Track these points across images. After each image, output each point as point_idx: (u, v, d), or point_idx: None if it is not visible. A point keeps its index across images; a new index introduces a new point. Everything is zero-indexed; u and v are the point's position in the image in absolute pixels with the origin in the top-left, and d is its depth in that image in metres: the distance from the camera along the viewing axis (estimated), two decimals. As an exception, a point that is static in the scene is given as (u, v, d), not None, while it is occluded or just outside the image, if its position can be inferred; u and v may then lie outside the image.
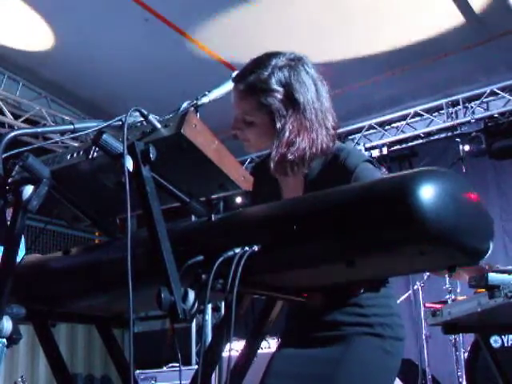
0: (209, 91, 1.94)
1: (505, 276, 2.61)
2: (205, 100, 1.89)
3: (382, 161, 7.68)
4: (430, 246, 1.29)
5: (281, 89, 2.14)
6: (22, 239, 3.07)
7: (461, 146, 7.27)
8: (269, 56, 2.18)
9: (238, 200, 8.05)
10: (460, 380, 5.64)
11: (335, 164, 2.15)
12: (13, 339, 1.69)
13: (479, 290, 2.83)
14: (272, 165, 2.16)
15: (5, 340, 1.68)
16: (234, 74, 2.12)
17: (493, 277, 2.57)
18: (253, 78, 2.15)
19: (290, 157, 2.14)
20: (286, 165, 2.16)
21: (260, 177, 2.34)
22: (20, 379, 6.91)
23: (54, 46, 6.70)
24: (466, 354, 5.49)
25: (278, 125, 2.13)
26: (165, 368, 6.02)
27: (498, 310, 2.63)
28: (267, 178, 2.30)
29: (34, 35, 6.55)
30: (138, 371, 6.06)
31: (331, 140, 2.18)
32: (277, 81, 2.14)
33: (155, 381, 5.82)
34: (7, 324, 1.66)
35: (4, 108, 7.42)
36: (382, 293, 2.09)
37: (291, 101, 2.14)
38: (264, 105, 2.14)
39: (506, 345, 5.00)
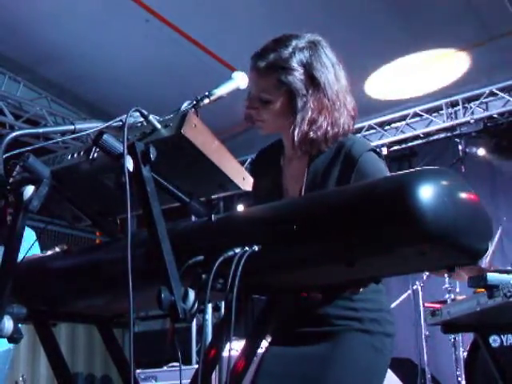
0: (209, 91, 1.94)
1: (504, 276, 2.62)
2: (205, 100, 1.89)
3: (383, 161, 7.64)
4: (429, 246, 1.29)
5: (301, 69, 2.14)
6: (34, 236, 3.05)
7: (460, 147, 7.28)
8: (289, 37, 2.19)
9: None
10: (459, 379, 5.64)
11: (340, 153, 2.15)
12: (13, 339, 1.69)
13: (478, 290, 2.84)
14: (295, 140, 2.15)
15: (11, 345, 1.69)
16: (235, 74, 2.11)
17: (492, 277, 2.58)
18: (273, 56, 2.16)
19: (312, 135, 2.14)
20: (307, 142, 2.16)
21: (262, 165, 2.35)
22: (21, 379, 6.91)
23: (54, 45, 6.70)
24: (465, 354, 5.49)
25: (300, 103, 2.13)
26: (165, 367, 6.02)
27: (497, 309, 2.64)
28: (269, 166, 2.31)
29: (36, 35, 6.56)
30: (138, 371, 6.06)
31: (352, 121, 2.20)
32: (298, 60, 2.15)
33: (156, 380, 5.81)
34: (8, 324, 1.66)
35: (5, 108, 7.42)
36: (372, 288, 2.08)
37: (312, 80, 2.15)
38: (284, 83, 2.14)
39: (504, 344, 5.00)
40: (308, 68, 2.15)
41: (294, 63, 2.14)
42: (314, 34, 2.24)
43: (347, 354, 2.05)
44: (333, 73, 2.19)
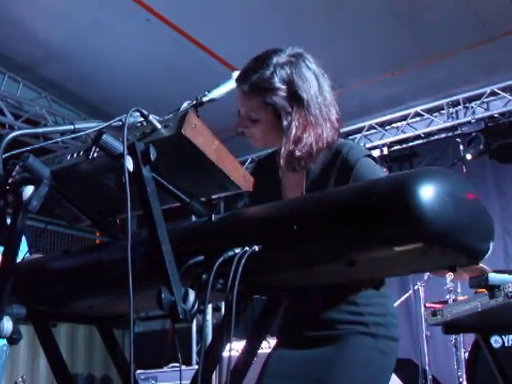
0: (209, 91, 1.94)
1: (505, 276, 2.62)
2: (205, 100, 1.89)
3: (383, 161, 7.67)
4: (429, 246, 1.29)
5: (284, 86, 2.15)
6: (23, 238, 3.05)
7: (461, 147, 7.28)
8: (269, 54, 2.19)
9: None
10: (460, 380, 5.64)
11: (337, 159, 2.16)
12: (13, 339, 1.69)
13: (480, 290, 2.83)
14: (281, 162, 2.18)
15: (6, 342, 1.69)
16: (234, 73, 2.12)
17: (493, 277, 2.57)
18: (256, 77, 2.16)
19: (297, 153, 2.15)
20: (294, 161, 2.17)
21: (262, 173, 2.36)
22: (20, 379, 6.91)
23: (54, 45, 6.70)
24: (467, 354, 5.49)
25: (285, 122, 2.15)
26: (165, 368, 6.02)
27: (498, 309, 2.64)
28: (269, 174, 2.32)
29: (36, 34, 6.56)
30: (138, 371, 6.06)
31: (336, 133, 2.20)
32: (279, 79, 2.15)
33: (156, 381, 5.82)
34: (7, 324, 1.66)
35: (4, 108, 7.42)
36: (377, 292, 2.10)
37: (295, 97, 2.15)
38: (269, 103, 2.15)
39: (506, 345, 5.00)
40: (290, 85, 2.16)
41: (277, 82, 2.15)
42: (295, 48, 2.24)
43: (352, 357, 2.06)
44: (316, 86, 2.20)
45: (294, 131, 2.15)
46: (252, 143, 2.28)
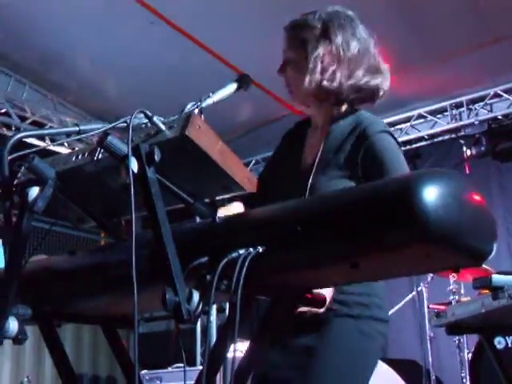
0: (213, 92, 1.94)
1: (509, 277, 2.61)
2: (209, 101, 1.89)
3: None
4: (433, 248, 1.29)
5: (319, 25, 2.23)
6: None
7: (464, 148, 7.28)
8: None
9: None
10: (464, 381, 5.62)
11: (357, 127, 2.18)
12: (19, 340, 1.69)
13: (483, 292, 2.83)
14: (307, 90, 2.25)
15: None
16: (238, 76, 2.12)
17: (497, 278, 2.57)
18: (301, 17, 2.29)
19: (325, 83, 2.20)
20: (321, 93, 2.23)
21: (290, 136, 2.39)
22: (26, 379, 6.92)
23: (60, 48, 6.71)
24: (470, 355, 5.48)
25: (312, 54, 2.22)
26: (170, 368, 6.03)
27: (501, 310, 2.63)
28: (295, 139, 2.36)
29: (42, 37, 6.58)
30: (143, 371, 6.06)
31: (374, 76, 2.25)
32: (318, 19, 2.25)
33: (160, 381, 5.82)
34: (13, 324, 1.67)
35: (10, 110, 7.44)
36: None
37: (326, 35, 2.23)
38: (302, 39, 2.23)
39: (510, 346, 4.99)
40: (325, 25, 2.23)
41: (314, 21, 2.24)
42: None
43: (332, 343, 2.05)
44: (350, 32, 2.25)
45: (318, 62, 2.20)
46: (290, 98, 2.36)
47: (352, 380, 2.08)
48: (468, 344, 5.77)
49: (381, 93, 2.31)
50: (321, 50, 2.23)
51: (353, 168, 2.17)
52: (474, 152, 7.31)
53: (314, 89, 2.23)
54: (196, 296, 1.47)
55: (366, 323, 2.07)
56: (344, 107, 2.32)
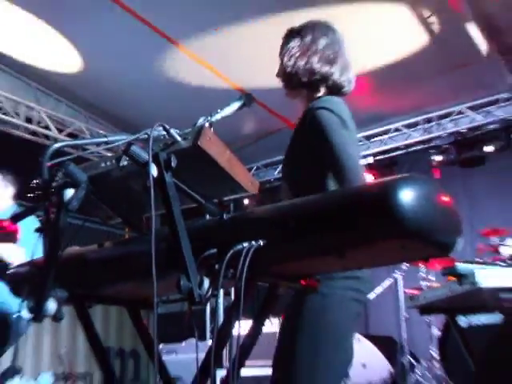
0: (221, 109, 1.93)
1: (472, 266, 2.61)
2: (217, 116, 1.89)
3: (369, 169, 7.69)
4: (408, 241, 1.28)
5: (299, 29, 2.30)
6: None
7: (433, 157, 7.31)
8: None
9: (246, 201, 8.05)
10: (432, 354, 5.62)
11: (306, 115, 2.12)
12: (56, 318, 1.69)
13: (450, 278, 2.82)
14: (283, 85, 2.30)
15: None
16: (242, 95, 2.11)
17: (462, 267, 2.57)
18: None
19: (288, 69, 2.22)
20: (286, 78, 2.27)
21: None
22: (63, 351, 6.92)
23: (91, 70, 6.73)
24: (439, 333, 5.47)
25: (285, 50, 2.28)
26: (184, 343, 6.01)
27: (465, 294, 2.63)
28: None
29: (67, 60, 6.58)
30: (161, 345, 6.05)
31: (322, 66, 2.20)
32: (301, 25, 2.31)
33: (176, 353, 5.81)
34: (52, 305, 1.67)
35: (50, 124, 7.46)
36: None
37: (300, 34, 2.28)
38: (284, 42, 2.33)
39: (472, 325, 4.97)
40: (304, 26, 2.31)
41: (298, 27, 2.32)
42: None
43: (297, 310, 1.93)
44: (321, 33, 2.26)
45: (288, 53, 2.25)
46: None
47: (315, 335, 1.91)
48: (437, 323, 5.76)
49: (330, 81, 2.20)
50: (292, 44, 2.25)
51: (308, 149, 2.07)
52: (443, 159, 7.34)
53: (283, 76, 2.26)
54: (206, 282, 1.46)
55: (325, 284, 1.84)
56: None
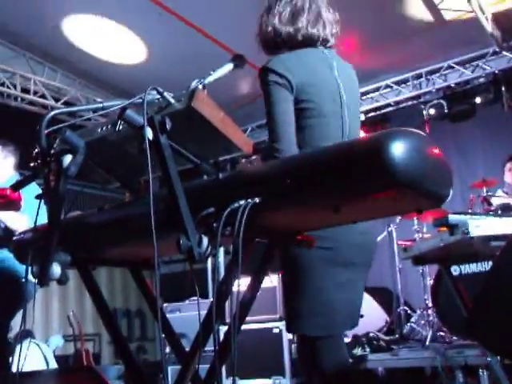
0: (213, 71, 1.90)
1: (463, 217, 2.61)
2: (210, 78, 1.86)
3: (361, 125, 7.65)
4: (401, 193, 1.28)
5: None
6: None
7: (424, 112, 7.28)
8: None
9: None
10: (426, 302, 5.69)
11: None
12: (61, 281, 1.70)
13: (441, 229, 2.83)
14: None
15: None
16: (234, 56, 2.07)
17: (453, 217, 2.57)
18: None
19: (259, 35, 2.25)
20: (262, 44, 2.27)
21: None
22: (72, 313, 6.99)
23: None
24: (432, 282, 5.53)
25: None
26: (187, 301, 6.07)
27: (457, 244, 2.64)
28: None
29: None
30: (165, 304, 6.11)
31: (286, 25, 2.19)
32: None
33: (180, 311, 5.87)
34: (56, 269, 1.67)
35: (46, 93, 7.39)
36: None
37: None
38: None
39: (463, 273, 5.02)
40: None
41: None
42: None
43: (282, 262, 2.07)
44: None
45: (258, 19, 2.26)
46: None
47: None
48: (430, 273, 5.82)
49: (299, 37, 2.18)
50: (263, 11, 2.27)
51: None
52: (433, 114, 7.32)
53: (258, 42, 2.27)
54: (205, 240, 1.46)
55: None
56: None
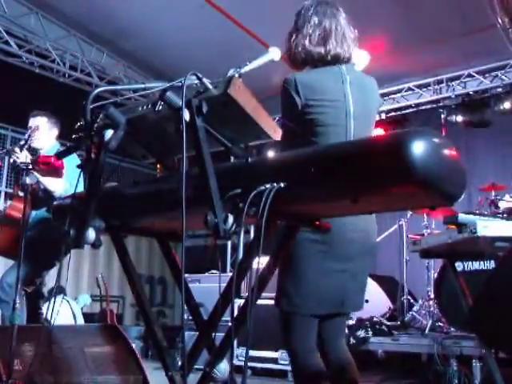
0: (249, 61, 1.89)
1: (471, 217, 2.59)
2: (246, 68, 1.84)
3: (381, 124, 7.62)
4: (417, 189, 1.26)
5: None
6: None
7: (442, 115, 7.19)
8: None
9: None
10: (429, 294, 5.66)
11: None
12: (95, 245, 1.71)
13: (450, 226, 2.80)
14: None
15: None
16: (270, 48, 2.05)
17: (462, 217, 2.54)
18: None
19: (288, 54, 2.26)
20: (290, 62, 2.29)
21: None
22: (100, 275, 7.09)
23: (130, 24, 6.64)
24: (436, 275, 5.49)
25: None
26: (207, 274, 6.11)
27: (463, 242, 2.61)
28: None
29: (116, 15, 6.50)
30: (186, 275, 6.14)
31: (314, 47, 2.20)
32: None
33: (199, 283, 5.91)
34: (92, 234, 1.69)
35: (92, 72, 7.44)
36: None
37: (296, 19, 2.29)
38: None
39: (466, 269, 4.97)
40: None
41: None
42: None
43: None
44: (303, 18, 2.25)
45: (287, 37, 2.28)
46: None
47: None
48: (435, 266, 5.78)
49: (329, 57, 2.21)
50: (291, 30, 2.28)
51: None
52: (450, 119, 7.23)
53: (287, 59, 2.27)
54: (231, 218, 1.46)
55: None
56: None
